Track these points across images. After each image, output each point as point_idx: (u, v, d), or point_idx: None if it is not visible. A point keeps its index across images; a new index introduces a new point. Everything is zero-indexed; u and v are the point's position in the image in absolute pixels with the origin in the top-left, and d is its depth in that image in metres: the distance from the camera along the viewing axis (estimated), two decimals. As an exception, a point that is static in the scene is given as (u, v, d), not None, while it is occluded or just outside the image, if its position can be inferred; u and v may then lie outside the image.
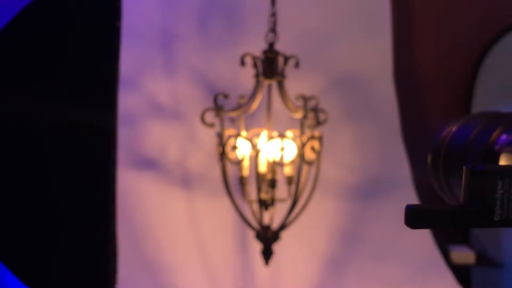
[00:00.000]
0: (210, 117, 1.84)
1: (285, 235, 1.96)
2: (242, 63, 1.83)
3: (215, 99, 1.80)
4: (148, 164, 2.10)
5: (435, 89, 2.31)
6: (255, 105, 1.85)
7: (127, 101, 2.10)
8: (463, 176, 0.50)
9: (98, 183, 1.63)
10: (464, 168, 0.50)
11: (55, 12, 1.46)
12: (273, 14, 1.84)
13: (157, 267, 2.07)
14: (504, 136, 0.70)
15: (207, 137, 2.08)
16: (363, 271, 2.16)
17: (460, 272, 2.13)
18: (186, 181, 2.12)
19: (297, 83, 2.06)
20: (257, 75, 1.83)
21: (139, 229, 2.07)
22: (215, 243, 2.11)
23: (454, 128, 0.83)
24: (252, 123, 2.00)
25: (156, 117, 2.14)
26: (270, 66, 1.82)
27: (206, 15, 2.19)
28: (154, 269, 2.06)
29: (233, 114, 1.83)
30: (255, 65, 1.82)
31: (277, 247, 2.01)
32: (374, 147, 2.24)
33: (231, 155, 1.83)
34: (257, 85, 1.83)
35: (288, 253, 2.12)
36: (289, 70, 1.91)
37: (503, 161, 0.60)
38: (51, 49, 1.49)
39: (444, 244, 2.14)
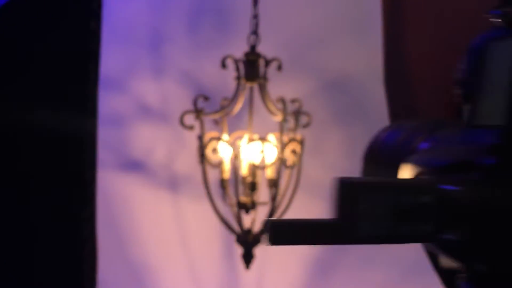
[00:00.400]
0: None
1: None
2: (223, 65, 1.82)
3: (195, 102, 1.80)
4: (135, 166, 2.11)
5: (427, 91, 2.28)
6: (237, 107, 1.85)
7: (114, 103, 2.11)
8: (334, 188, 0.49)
9: (73, 186, 1.63)
10: (334, 180, 0.49)
11: (26, 13, 1.46)
12: (255, 16, 1.84)
13: (141, 269, 2.07)
14: (424, 145, 0.68)
15: (194, 139, 2.07)
16: (350, 275, 2.14)
17: (448, 276, 2.10)
18: (172, 183, 2.12)
19: (285, 85, 2.05)
20: (238, 78, 1.82)
21: (124, 231, 2.07)
22: (201, 246, 2.11)
23: (383, 136, 0.82)
24: (239, 125, 1.99)
25: (144, 119, 2.14)
26: (252, 68, 1.82)
27: (195, 16, 2.19)
28: (138, 271, 2.07)
29: (213, 117, 1.83)
30: (237, 67, 1.82)
31: (262, 251, 2.00)
32: (363, 150, 2.21)
33: (213, 157, 1.83)
34: (239, 88, 1.83)
35: (274, 257, 2.11)
36: (278, 72, 1.90)
37: (402, 170, 0.59)
38: (22, 50, 1.49)
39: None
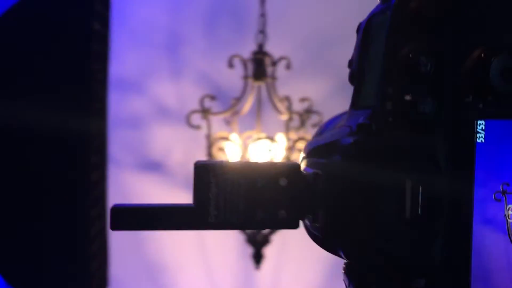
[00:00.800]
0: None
1: (285, 238, 1.93)
2: (231, 65, 1.82)
3: (202, 101, 1.81)
4: (152, 165, 2.13)
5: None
6: (247, 107, 1.84)
7: (132, 104, 2.15)
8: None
9: (78, 186, 1.66)
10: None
11: (27, 15, 1.50)
12: (263, 15, 1.83)
13: (156, 268, 2.09)
14: None
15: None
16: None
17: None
18: (189, 182, 2.13)
19: (301, 85, 2.03)
20: (246, 77, 1.82)
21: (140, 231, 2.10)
22: (216, 245, 2.11)
23: (326, 122, 0.80)
24: (253, 125, 1.98)
25: (161, 120, 2.17)
26: (259, 67, 1.81)
27: (211, 18, 2.20)
28: (153, 270, 2.09)
29: (221, 116, 1.83)
30: (245, 66, 1.82)
31: (278, 250, 1.99)
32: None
33: (222, 157, 1.83)
34: (246, 87, 1.82)
35: (290, 256, 2.08)
36: (295, 71, 1.89)
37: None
38: (23, 51, 1.53)
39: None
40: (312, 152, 0.50)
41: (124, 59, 2.11)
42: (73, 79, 1.72)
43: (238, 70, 1.88)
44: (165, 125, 2.15)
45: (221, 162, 0.47)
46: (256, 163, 0.47)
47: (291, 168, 0.47)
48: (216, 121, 1.91)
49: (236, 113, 1.84)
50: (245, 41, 2.14)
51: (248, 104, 1.84)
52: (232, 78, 2.12)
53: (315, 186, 0.46)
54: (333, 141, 0.48)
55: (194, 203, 0.47)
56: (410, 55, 0.45)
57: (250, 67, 1.83)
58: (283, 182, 0.46)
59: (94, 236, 1.86)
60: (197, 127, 1.82)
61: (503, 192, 0.46)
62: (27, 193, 1.71)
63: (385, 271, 0.45)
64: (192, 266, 2.12)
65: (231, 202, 0.46)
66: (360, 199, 0.44)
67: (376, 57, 0.49)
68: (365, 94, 0.51)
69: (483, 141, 0.46)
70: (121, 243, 1.96)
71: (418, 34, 0.46)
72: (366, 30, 0.52)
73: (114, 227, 0.46)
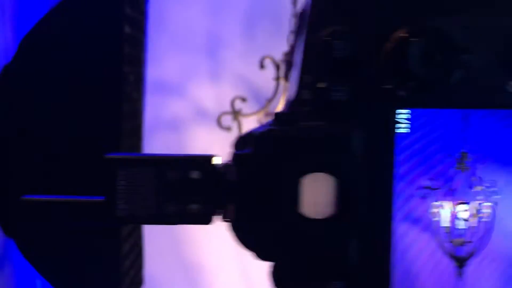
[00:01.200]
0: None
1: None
2: (262, 66, 1.81)
3: (232, 103, 1.81)
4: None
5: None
6: (279, 108, 1.82)
7: (173, 107, 2.17)
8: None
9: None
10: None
11: (59, 22, 1.53)
12: (295, 15, 1.80)
13: (193, 269, 2.10)
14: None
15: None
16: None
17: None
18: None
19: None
20: (277, 78, 1.80)
21: (177, 230, 2.11)
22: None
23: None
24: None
25: (199, 121, 2.18)
26: (290, 68, 1.78)
27: (251, 20, 2.19)
28: (190, 271, 2.10)
29: (252, 117, 1.81)
30: (277, 67, 1.80)
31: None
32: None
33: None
34: (278, 88, 1.80)
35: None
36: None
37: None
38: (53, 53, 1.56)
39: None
40: (235, 144, 0.48)
41: (164, 62, 2.13)
42: (104, 81, 1.74)
43: (273, 71, 1.87)
44: (202, 127, 2.15)
45: (131, 154, 0.45)
46: (168, 155, 0.45)
47: (203, 160, 0.45)
48: (251, 122, 1.90)
49: (268, 114, 1.82)
50: (281, 42, 2.11)
51: (280, 105, 1.81)
52: (268, 79, 2.10)
53: (227, 179, 0.44)
54: (250, 132, 0.45)
55: (104, 197, 0.46)
56: (325, 40, 0.42)
57: (283, 68, 1.80)
58: (194, 174, 0.44)
59: (126, 235, 1.88)
60: (228, 129, 1.81)
61: (429, 188, 0.42)
62: (58, 192, 1.73)
63: (299, 272, 0.42)
64: (228, 268, 2.11)
65: (141, 195, 0.44)
66: (266, 193, 0.41)
67: (300, 44, 0.46)
68: (292, 84, 0.48)
69: (408, 131, 0.42)
70: (157, 243, 1.97)
71: (337, 18, 0.43)
72: (300, 18, 0.49)
73: (19, 219, 0.45)
